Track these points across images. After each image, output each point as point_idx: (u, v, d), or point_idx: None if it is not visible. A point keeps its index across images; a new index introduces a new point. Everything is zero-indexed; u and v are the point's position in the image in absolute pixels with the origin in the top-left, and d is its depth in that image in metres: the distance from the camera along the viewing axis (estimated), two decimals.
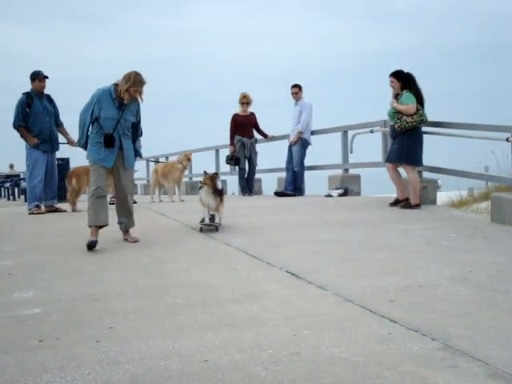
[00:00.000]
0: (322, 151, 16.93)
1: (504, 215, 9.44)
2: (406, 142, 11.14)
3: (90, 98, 8.18)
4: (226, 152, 17.03)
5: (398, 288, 6.24)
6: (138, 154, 8.70)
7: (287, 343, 4.81)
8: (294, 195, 14.96)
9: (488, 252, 7.74)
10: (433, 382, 4.15)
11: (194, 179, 22.19)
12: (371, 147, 14.62)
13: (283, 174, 16.25)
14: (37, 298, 6.17)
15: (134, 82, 8.03)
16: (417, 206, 11.14)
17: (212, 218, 9.22)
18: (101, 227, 8.25)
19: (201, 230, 9.08)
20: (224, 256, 7.80)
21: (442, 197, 13.55)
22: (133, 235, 8.76)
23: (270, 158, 18.61)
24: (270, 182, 18.27)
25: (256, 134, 16.24)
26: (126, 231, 8.75)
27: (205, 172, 9.19)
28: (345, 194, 14.18)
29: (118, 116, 8.16)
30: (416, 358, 4.54)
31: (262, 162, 16.77)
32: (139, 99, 8.29)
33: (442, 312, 5.56)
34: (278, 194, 15.57)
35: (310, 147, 15.43)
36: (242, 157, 15.84)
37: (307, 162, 15.58)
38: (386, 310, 5.56)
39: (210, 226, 9.09)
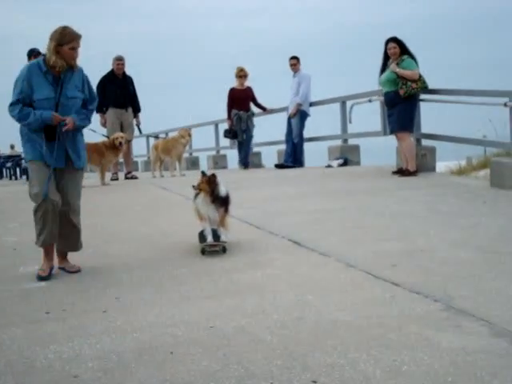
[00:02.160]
0: (321, 122, 16.93)
1: (503, 180, 9.48)
2: (408, 109, 11.12)
3: (14, 85, 5.91)
4: (224, 126, 17.04)
5: (400, 253, 6.29)
6: (86, 121, 6.15)
7: (291, 308, 4.86)
8: (294, 167, 14.99)
9: (488, 216, 7.78)
10: (436, 341, 4.20)
11: (194, 154, 22.21)
12: (370, 117, 14.64)
13: (283, 147, 16.28)
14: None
15: (64, 36, 5.78)
16: (415, 172, 11.17)
17: (215, 234, 6.53)
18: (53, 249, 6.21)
19: (203, 252, 6.43)
20: None
21: (440, 167, 13.57)
22: (73, 263, 6.38)
23: (270, 130, 18.64)
24: (269, 155, 18.30)
25: (254, 108, 16.25)
26: (62, 255, 6.30)
27: (202, 173, 6.69)
28: (344, 164, 14.22)
29: (55, 94, 5.82)
30: (419, 319, 4.59)
31: (261, 135, 16.82)
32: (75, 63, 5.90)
33: (444, 274, 5.61)
34: (278, 166, 15.61)
35: (308, 118, 15.44)
36: (239, 130, 15.87)
37: (306, 134, 15.59)
38: (388, 274, 5.61)
39: (215, 247, 6.43)
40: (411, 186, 10.20)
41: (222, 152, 20.55)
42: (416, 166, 11.27)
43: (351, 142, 15.09)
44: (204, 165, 20.42)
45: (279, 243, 6.86)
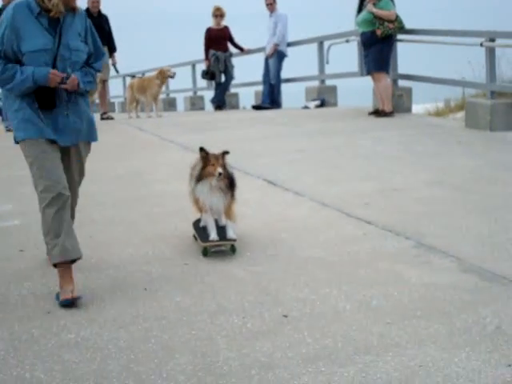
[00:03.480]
0: (299, 63, 16.79)
1: (478, 120, 9.50)
2: (384, 49, 11.05)
3: None
4: (202, 67, 16.83)
5: (374, 192, 6.33)
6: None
7: (265, 246, 4.91)
8: (272, 108, 14.91)
9: (462, 156, 7.84)
10: (406, 277, 4.28)
11: (172, 95, 22.02)
12: (347, 57, 14.51)
13: (260, 88, 16.16)
14: (16, 210, 6.20)
15: None
16: (390, 113, 11.16)
17: (221, 229, 4.91)
18: (73, 261, 4.19)
19: (205, 253, 4.80)
20: None
21: (418, 109, 13.56)
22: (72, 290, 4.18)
23: (247, 71, 18.46)
24: (247, 96, 18.18)
25: (231, 48, 16.06)
26: (71, 261, 4.19)
27: (202, 149, 4.87)
28: (322, 105, 14.15)
29: (52, 45, 4.14)
30: (390, 256, 4.66)
31: (239, 77, 16.62)
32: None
33: (417, 213, 5.67)
34: (255, 107, 15.52)
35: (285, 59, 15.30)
36: (216, 71, 15.70)
37: (284, 75, 15.47)
38: (361, 213, 5.67)
39: (220, 246, 4.87)
40: (387, 126, 10.20)
41: (199, 93, 20.39)
42: (392, 106, 11.25)
43: (328, 82, 15.00)
44: (181, 106, 20.27)
45: (254, 183, 6.87)
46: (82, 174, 4.49)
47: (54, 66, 4.09)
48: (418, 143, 8.70)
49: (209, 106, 19.07)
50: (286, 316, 3.71)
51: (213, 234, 4.77)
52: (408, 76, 12.10)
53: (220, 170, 4.73)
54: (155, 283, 4.27)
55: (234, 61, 16.34)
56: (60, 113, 4.17)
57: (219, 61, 15.75)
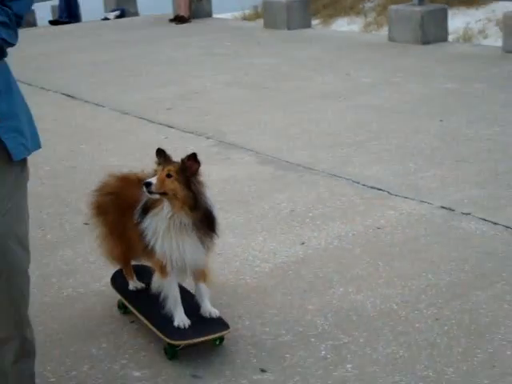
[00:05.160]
0: None
1: (276, 20, 9.67)
2: None
3: None
4: None
5: (175, 97, 6.33)
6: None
7: (64, 159, 4.80)
8: (70, 22, 14.32)
9: (261, 56, 7.98)
10: (207, 174, 4.34)
11: None
12: None
13: (56, 2, 15.44)
14: None
15: None
16: (189, 19, 11.04)
17: (189, 302, 2.67)
18: None
19: (170, 355, 2.55)
20: None
21: (227, 16, 13.53)
22: None
23: None
24: (43, 12, 17.31)
25: None
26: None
27: (160, 152, 2.65)
28: (122, 15, 13.78)
29: None
30: None
31: None
32: None
33: (218, 113, 5.75)
34: (52, 22, 14.84)
35: None
36: None
37: None
38: (163, 118, 5.66)
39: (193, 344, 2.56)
40: (187, 32, 10.13)
41: None
42: (191, 11, 11.16)
43: None
44: None
45: (52, 98, 6.62)
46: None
47: None
48: (218, 46, 8.74)
49: None
50: (86, 224, 3.68)
51: (179, 317, 2.57)
52: None
53: (153, 179, 2.48)
54: None
55: None
56: None
57: None
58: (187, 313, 2.57)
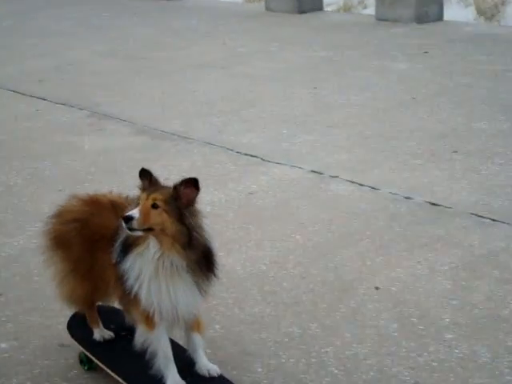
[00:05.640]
0: None
1: None
2: None
3: None
4: None
5: (48, 69, 6.17)
6: None
7: None
8: None
9: (137, 26, 7.88)
10: (79, 145, 4.28)
11: None
12: None
13: None
14: None
15: None
16: None
17: (180, 357, 2.16)
18: None
19: None
20: None
21: None
22: None
23: None
24: None
25: None
26: None
27: (144, 172, 2.07)
28: None
29: None
30: (64, 128, 4.62)
31: None
32: None
33: (93, 84, 5.64)
34: None
35: None
36: None
37: None
38: (35, 90, 5.51)
39: None
40: (62, 3, 9.84)
41: None
42: None
43: None
44: None
45: None
46: None
47: None
48: (95, 18, 8.57)
49: None
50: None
51: (173, 379, 2.09)
52: None
53: (135, 212, 1.95)
54: None
55: None
56: None
57: None
58: (180, 372, 2.08)
